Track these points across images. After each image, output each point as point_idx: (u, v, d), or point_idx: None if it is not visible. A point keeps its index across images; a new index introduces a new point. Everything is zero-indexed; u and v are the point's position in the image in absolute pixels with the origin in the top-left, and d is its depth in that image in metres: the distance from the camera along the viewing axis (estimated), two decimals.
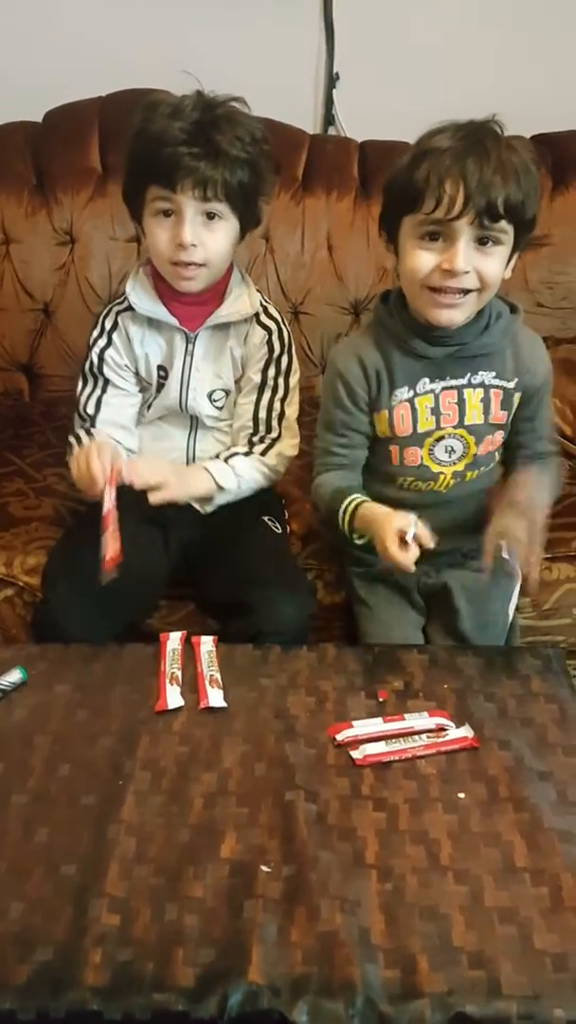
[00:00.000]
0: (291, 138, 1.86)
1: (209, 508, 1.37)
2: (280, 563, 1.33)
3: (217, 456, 1.38)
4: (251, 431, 1.39)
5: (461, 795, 0.95)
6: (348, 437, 1.28)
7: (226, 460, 1.36)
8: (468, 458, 1.26)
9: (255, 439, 1.39)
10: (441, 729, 1.03)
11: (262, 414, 1.39)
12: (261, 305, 1.40)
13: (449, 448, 1.25)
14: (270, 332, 1.39)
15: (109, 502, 1.19)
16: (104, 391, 1.39)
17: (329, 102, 1.98)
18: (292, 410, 1.41)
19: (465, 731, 1.03)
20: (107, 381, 1.39)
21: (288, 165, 1.82)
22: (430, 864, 0.87)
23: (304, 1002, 0.75)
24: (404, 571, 1.15)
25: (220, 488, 1.34)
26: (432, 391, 1.23)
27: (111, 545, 1.16)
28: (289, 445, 1.40)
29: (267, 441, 1.39)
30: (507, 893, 0.84)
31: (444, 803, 0.94)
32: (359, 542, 1.24)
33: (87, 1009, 0.75)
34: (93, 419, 1.39)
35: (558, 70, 1.92)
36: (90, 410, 1.39)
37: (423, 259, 1.14)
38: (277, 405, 1.39)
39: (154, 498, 1.27)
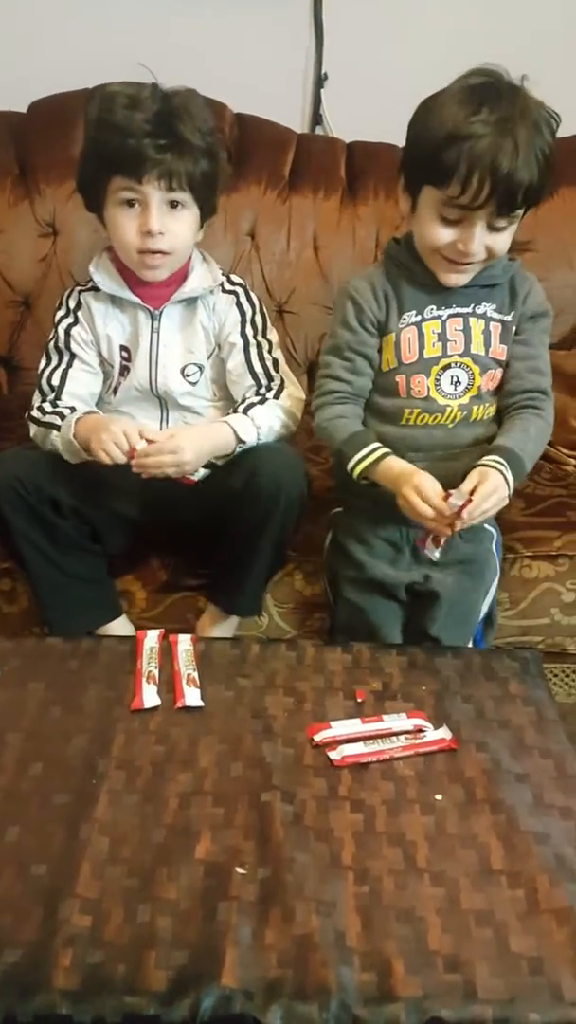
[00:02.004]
0: (279, 137, 1.85)
1: (223, 460, 1.34)
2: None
3: (235, 410, 1.37)
4: (255, 386, 1.38)
5: (438, 797, 0.95)
6: (354, 362, 1.28)
7: (244, 412, 1.34)
8: (473, 390, 1.27)
9: (262, 390, 1.38)
10: (419, 730, 1.03)
11: (257, 368, 1.39)
12: (224, 275, 1.42)
13: (455, 379, 1.25)
14: (236, 295, 1.40)
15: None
16: (70, 365, 1.39)
17: (317, 102, 1.98)
18: (281, 357, 1.42)
19: (443, 733, 1.03)
20: (74, 356, 1.39)
21: (275, 164, 1.81)
22: (407, 866, 0.87)
23: (278, 1006, 0.74)
24: (418, 515, 1.16)
25: (241, 442, 1.31)
26: (439, 316, 1.25)
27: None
28: (295, 387, 1.40)
29: (274, 387, 1.38)
30: (483, 896, 0.84)
31: (421, 805, 0.94)
32: (363, 482, 1.25)
33: (56, 1012, 0.73)
34: (58, 391, 1.37)
35: (545, 75, 1.92)
36: (54, 382, 1.38)
37: (441, 233, 1.18)
38: (268, 356, 1.40)
39: (178, 472, 1.26)
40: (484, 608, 1.35)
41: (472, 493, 1.15)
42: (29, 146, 1.81)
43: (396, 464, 1.22)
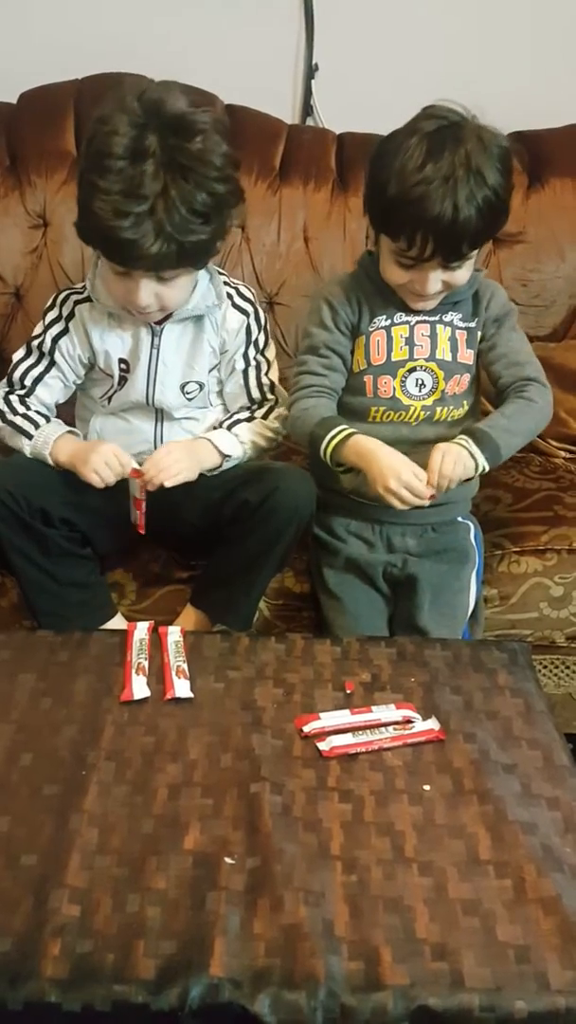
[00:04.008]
0: (269, 128, 1.84)
1: (215, 472, 1.35)
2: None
3: (220, 424, 1.39)
4: (247, 405, 1.41)
5: (426, 787, 0.95)
6: (329, 358, 1.35)
7: (229, 428, 1.36)
8: (436, 394, 1.34)
9: (253, 406, 1.40)
10: (408, 721, 1.03)
11: (255, 393, 1.40)
12: (232, 287, 1.40)
13: (420, 381, 1.32)
14: (247, 316, 1.40)
15: (137, 492, 1.30)
16: (47, 371, 1.38)
17: (308, 93, 1.97)
18: (276, 376, 1.43)
19: (431, 724, 1.03)
20: (53, 363, 1.38)
21: (266, 155, 1.81)
22: (395, 856, 0.87)
23: (266, 994, 0.74)
24: (405, 502, 1.23)
25: (226, 457, 1.34)
26: (407, 322, 1.33)
27: (140, 521, 1.32)
28: (282, 403, 1.41)
29: (265, 407, 1.40)
30: (470, 885, 0.84)
31: (410, 795, 0.94)
32: (339, 470, 1.31)
33: (46, 1000, 0.74)
34: (29, 391, 1.38)
35: (537, 66, 1.92)
36: (27, 382, 1.38)
37: (398, 274, 1.27)
38: (265, 379, 1.41)
39: (171, 483, 1.28)
40: (470, 603, 1.36)
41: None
42: (19, 137, 1.80)
43: (363, 441, 1.27)
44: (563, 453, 1.68)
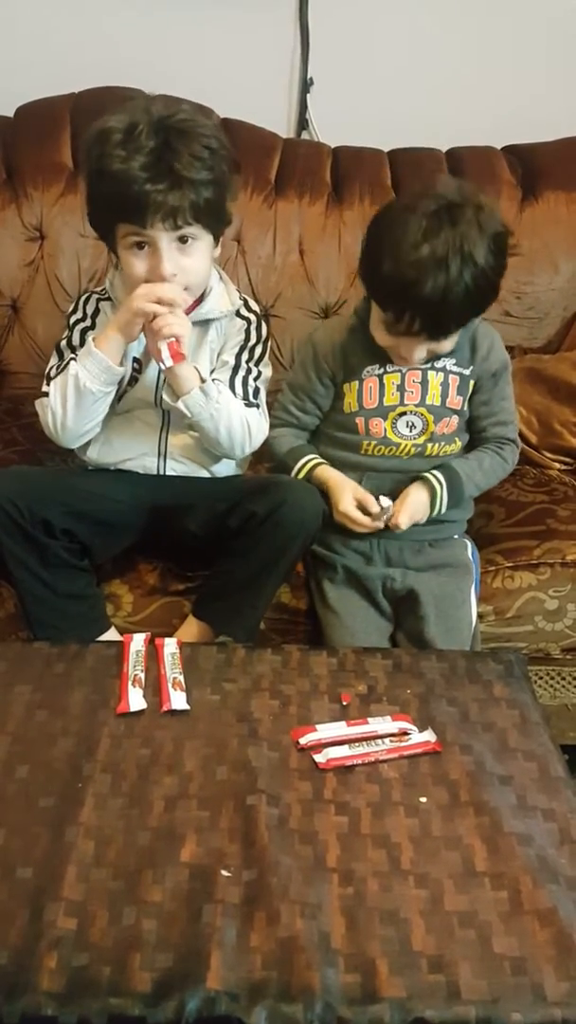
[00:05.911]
0: (264, 142, 1.86)
1: (180, 406, 1.30)
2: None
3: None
4: None
5: (423, 799, 0.95)
6: (302, 401, 1.43)
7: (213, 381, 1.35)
8: (427, 434, 1.38)
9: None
10: (404, 733, 1.03)
11: (239, 390, 1.37)
12: (241, 299, 1.43)
13: (410, 423, 1.37)
14: (249, 322, 1.42)
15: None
16: None
17: (303, 107, 1.98)
18: (264, 391, 1.40)
19: (427, 735, 1.03)
20: None
21: (261, 168, 1.82)
22: (391, 868, 0.87)
23: (263, 1007, 0.74)
24: (356, 528, 1.33)
25: (202, 382, 1.30)
26: (399, 370, 1.36)
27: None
28: (264, 417, 1.39)
29: (246, 402, 1.38)
30: (467, 897, 0.85)
31: (406, 807, 0.94)
32: None
33: (42, 1014, 0.74)
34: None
35: (529, 81, 1.94)
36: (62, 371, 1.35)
37: (385, 338, 1.30)
38: (251, 383, 1.39)
39: (168, 327, 1.26)
40: (473, 616, 1.37)
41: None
42: (16, 150, 1.81)
43: (322, 472, 1.38)
44: (558, 465, 1.69)
